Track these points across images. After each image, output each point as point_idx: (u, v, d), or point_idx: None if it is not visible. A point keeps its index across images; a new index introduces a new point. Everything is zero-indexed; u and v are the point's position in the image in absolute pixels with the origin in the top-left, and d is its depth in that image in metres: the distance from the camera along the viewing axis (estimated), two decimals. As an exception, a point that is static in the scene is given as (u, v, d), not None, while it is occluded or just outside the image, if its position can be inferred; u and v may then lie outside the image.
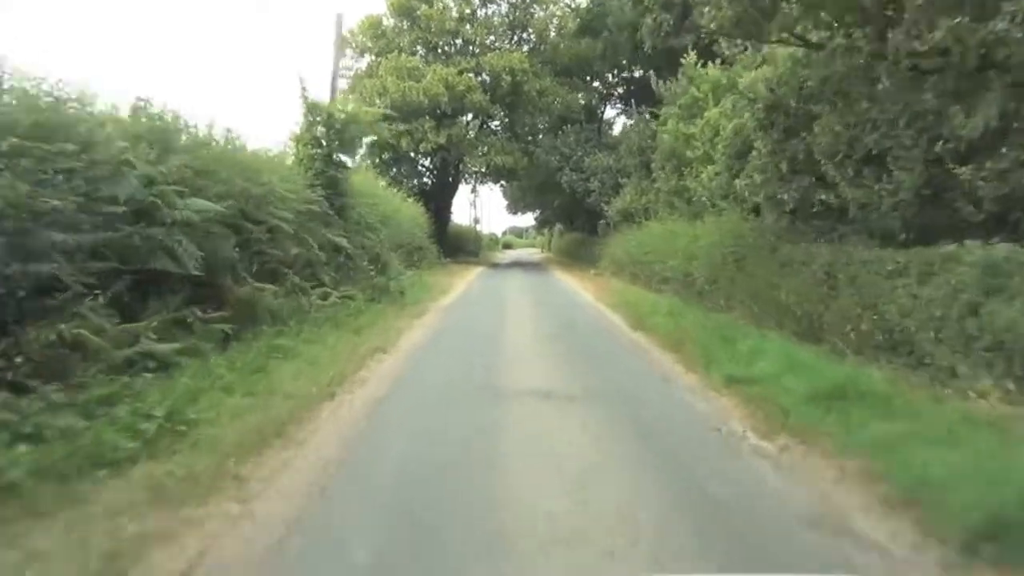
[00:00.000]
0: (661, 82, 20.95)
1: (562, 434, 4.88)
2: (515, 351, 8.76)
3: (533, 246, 77.49)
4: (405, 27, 32.25)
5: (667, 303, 12.58)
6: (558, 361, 8.05)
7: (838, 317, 7.70)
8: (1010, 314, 5.38)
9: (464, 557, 3.07)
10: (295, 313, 8.92)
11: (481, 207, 70.44)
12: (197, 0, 60.48)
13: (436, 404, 5.76)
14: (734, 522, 3.48)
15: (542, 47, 33.54)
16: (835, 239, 9.20)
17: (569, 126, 30.70)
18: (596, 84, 34.83)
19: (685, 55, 17.82)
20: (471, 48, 32.19)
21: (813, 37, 9.52)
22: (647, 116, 23.58)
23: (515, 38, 34.24)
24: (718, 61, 17.09)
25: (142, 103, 7.77)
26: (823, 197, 9.07)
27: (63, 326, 5.10)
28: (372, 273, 12.97)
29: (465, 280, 22.09)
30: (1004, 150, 6.46)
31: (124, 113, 7.85)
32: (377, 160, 30.46)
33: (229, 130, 10.00)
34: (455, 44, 32.68)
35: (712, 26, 9.36)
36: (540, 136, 33.01)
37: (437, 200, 32.76)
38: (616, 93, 35.07)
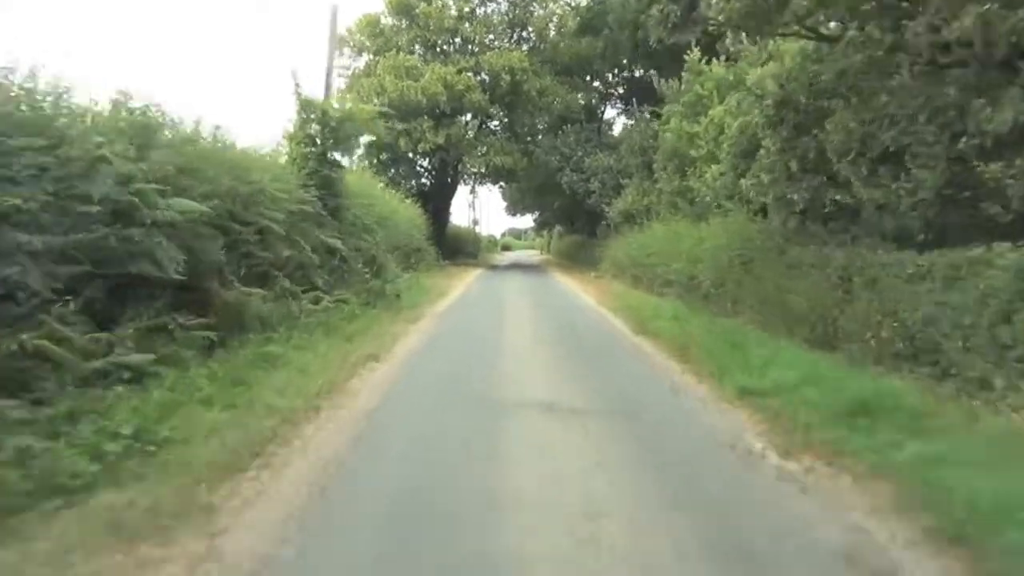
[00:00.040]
0: (663, 81, 20.61)
1: (567, 457, 4.47)
2: (515, 358, 8.38)
3: (532, 248, 77.14)
4: (403, 26, 31.88)
5: (671, 307, 12.21)
6: (560, 370, 7.66)
7: (855, 323, 7.32)
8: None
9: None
10: (285, 319, 8.53)
11: (480, 208, 70.02)
12: None
13: (430, 421, 5.32)
14: (762, 560, 3.10)
15: (542, 46, 33.18)
16: (847, 241, 8.84)
17: (569, 126, 30.32)
18: (596, 84, 34.49)
19: (689, 51, 17.44)
20: (470, 47, 31.81)
21: (823, 30, 9.17)
22: (648, 115, 23.22)
23: (514, 37, 33.88)
24: (722, 59, 16.76)
25: (123, 96, 7.37)
26: (837, 197, 8.68)
27: (25, 336, 4.71)
28: (367, 276, 12.57)
29: (464, 282, 21.70)
30: (1035, 147, 6.09)
31: (106, 107, 7.47)
32: (375, 161, 30.09)
33: (218, 127, 9.64)
34: (454, 43, 32.31)
35: (720, 18, 8.98)
36: (540, 136, 32.65)
37: (435, 201, 32.37)
38: (616, 93, 34.74)
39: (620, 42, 28.40)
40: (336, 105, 13.59)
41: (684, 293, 13.45)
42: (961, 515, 3.25)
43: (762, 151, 11.10)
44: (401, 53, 30.08)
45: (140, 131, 7.18)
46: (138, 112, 7.42)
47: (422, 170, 34.10)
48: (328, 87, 13.94)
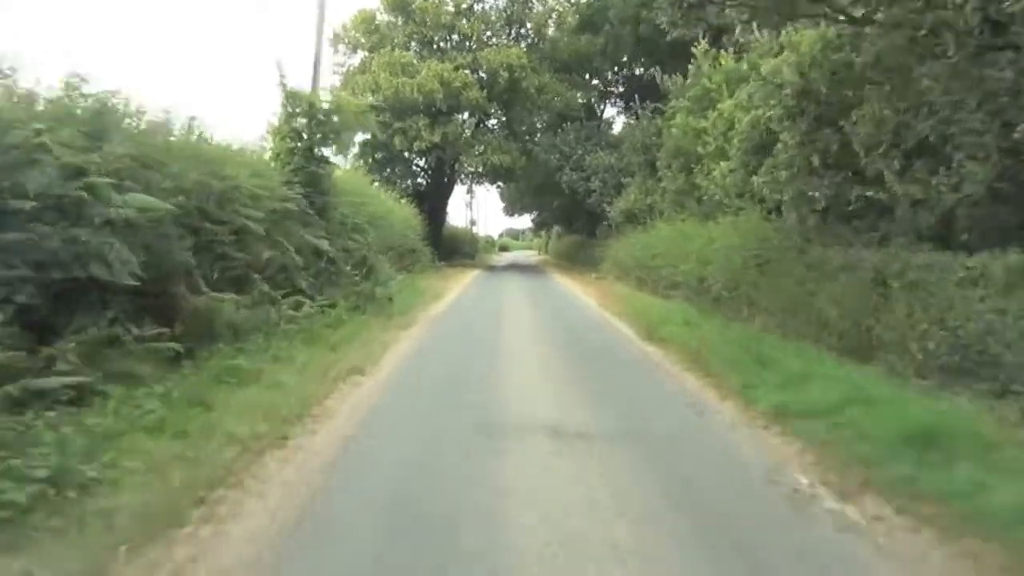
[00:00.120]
0: (666, 77, 19.91)
1: (579, 506, 3.67)
2: (514, 371, 7.61)
3: (530, 248, 76.43)
4: (399, 22, 31.13)
5: (681, 311, 11.46)
6: (564, 385, 6.88)
7: (894, 331, 6.57)
8: None
9: None
10: (262, 326, 7.76)
11: (477, 208, 69.23)
12: (188, -2, 59.26)
13: (415, 454, 4.47)
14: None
15: (540, 43, 32.47)
16: (875, 240, 8.11)
17: (569, 124, 29.58)
18: (595, 82, 33.79)
19: (697, 42, 16.70)
20: (468, 43, 31.06)
21: (853, 12, 8.42)
22: (650, 113, 22.51)
23: (513, 33, 33.13)
24: (729, 51, 16.06)
25: (76, 80, 6.59)
26: (868, 193, 7.93)
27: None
28: (357, 279, 11.79)
29: (460, 284, 20.95)
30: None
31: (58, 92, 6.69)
32: (370, 159, 29.36)
33: (193, 118, 8.87)
34: (451, 39, 31.58)
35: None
36: (538, 135, 31.91)
37: (432, 201, 31.63)
38: (616, 91, 34.05)
39: (621, 37, 27.74)
40: (324, 98, 12.80)
41: (693, 296, 12.72)
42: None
43: (779, 145, 10.38)
44: (396, 50, 29.32)
45: (94, 119, 6.41)
46: (93, 99, 6.63)
47: (418, 169, 33.41)
48: (316, 78, 13.16)
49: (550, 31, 32.83)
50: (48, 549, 2.87)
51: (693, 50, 17.23)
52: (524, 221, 67.92)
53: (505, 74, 29.17)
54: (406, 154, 30.33)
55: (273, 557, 3.00)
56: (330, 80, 29.30)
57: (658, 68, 21.35)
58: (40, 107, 6.32)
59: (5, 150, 5.17)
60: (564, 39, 31.65)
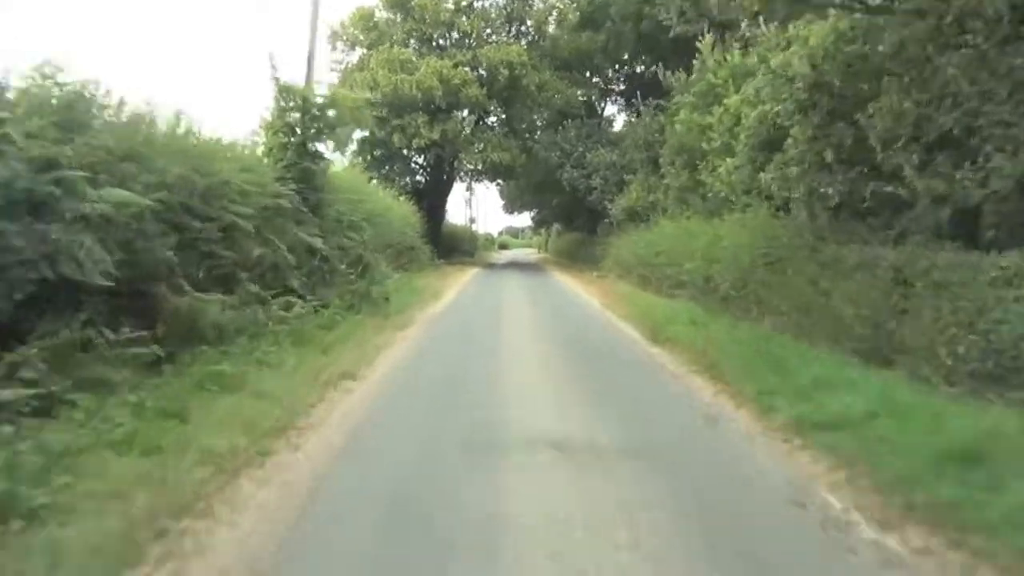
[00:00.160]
0: (669, 73, 19.55)
1: (587, 532, 3.30)
2: (515, 376, 7.23)
3: (529, 246, 76.06)
4: (398, 19, 30.74)
5: (687, 311, 11.09)
6: (570, 391, 6.50)
7: (918, 335, 6.19)
8: None
9: None
10: (249, 328, 7.38)
11: (477, 206, 68.73)
12: (186, -6, 58.81)
13: (409, 473, 4.09)
14: None
15: (541, 40, 32.10)
16: (891, 238, 7.74)
17: (570, 121, 29.18)
18: (596, 80, 33.39)
19: (701, 37, 16.33)
20: (467, 41, 30.67)
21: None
22: (653, 109, 22.13)
23: (513, 30, 32.74)
24: (735, 47, 15.71)
25: (50, 69, 6.19)
26: (888, 188, 7.54)
27: None
28: (352, 278, 11.40)
29: (459, 282, 20.57)
30: None
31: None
32: (368, 157, 28.97)
33: (179, 111, 8.50)
34: (450, 36, 31.20)
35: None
36: (538, 132, 31.52)
37: (431, 199, 31.28)
38: (616, 89, 33.65)
39: (623, 34, 27.34)
40: (319, 91, 12.41)
41: (699, 295, 12.34)
42: None
43: (789, 140, 10.00)
44: (395, 47, 28.93)
45: (68, 109, 6.02)
46: (68, 88, 6.25)
47: (417, 167, 33.06)
48: (310, 72, 12.77)
49: (550, 28, 32.52)
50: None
51: (698, 44, 16.88)
52: (524, 219, 67.60)
53: (505, 71, 28.81)
54: (405, 151, 29.97)
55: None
56: (328, 78, 29.03)
57: (660, 65, 20.99)
58: (11, 96, 5.97)
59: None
60: (565, 36, 31.30)
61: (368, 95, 18.41)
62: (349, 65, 31.24)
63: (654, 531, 3.33)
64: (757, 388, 5.91)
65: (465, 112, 30.74)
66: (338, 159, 16.01)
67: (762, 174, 11.08)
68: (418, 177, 33.02)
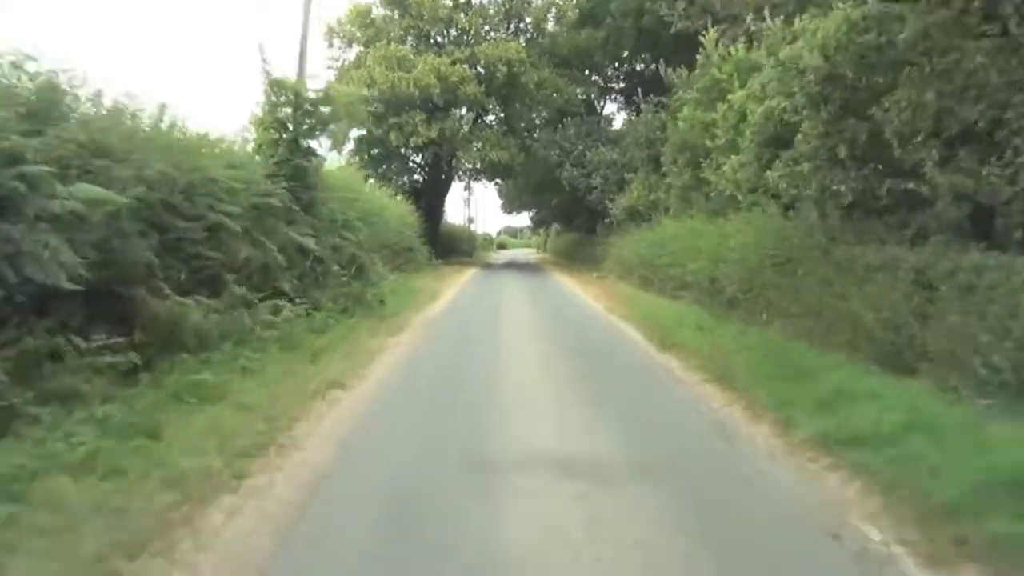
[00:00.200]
0: (671, 70, 19.20)
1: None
2: (516, 385, 6.84)
3: (528, 246, 75.74)
4: (395, 16, 30.37)
5: (692, 314, 10.73)
6: (575, 404, 6.08)
7: (946, 342, 5.81)
8: None
9: None
10: (234, 333, 7.00)
11: (475, 206, 68.46)
12: (182, -8, 58.40)
13: (399, 499, 3.67)
14: None
15: (540, 38, 31.77)
16: (907, 238, 7.38)
17: (569, 119, 28.82)
18: (595, 78, 33.03)
19: (704, 32, 15.99)
20: (465, 38, 30.31)
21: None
22: (654, 106, 21.78)
23: (511, 28, 32.39)
24: (739, 42, 15.37)
25: (19, 58, 5.81)
26: (909, 186, 7.17)
27: None
28: (346, 279, 11.02)
29: (457, 283, 20.19)
30: None
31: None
32: (365, 156, 28.59)
33: (164, 105, 8.10)
34: (448, 34, 30.85)
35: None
36: (537, 131, 31.17)
37: (429, 198, 30.93)
38: (616, 87, 33.29)
39: (623, 31, 26.96)
40: (311, 86, 12.02)
41: (704, 297, 11.97)
42: None
43: (799, 136, 9.62)
44: (392, 44, 28.55)
45: (37, 100, 5.64)
46: (40, 77, 5.86)
47: (414, 166, 32.69)
48: (302, 65, 12.38)
49: (549, 26, 32.22)
50: None
51: (701, 39, 16.53)
52: (523, 219, 67.26)
53: (503, 69, 28.46)
54: (402, 150, 29.58)
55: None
56: (325, 75, 28.62)
57: (661, 61, 20.63)
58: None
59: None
60: (564, 33, 31.03)
61: (364, 91, 18.11)
62: (346, 62, 30.95)
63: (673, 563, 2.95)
64: (775, 399, 5.53)
65: (463, 110, 30.40)
66: (335, 157, 15.69)
67: (769, 172, 10.72)
68: (416, 176, 32.67)
